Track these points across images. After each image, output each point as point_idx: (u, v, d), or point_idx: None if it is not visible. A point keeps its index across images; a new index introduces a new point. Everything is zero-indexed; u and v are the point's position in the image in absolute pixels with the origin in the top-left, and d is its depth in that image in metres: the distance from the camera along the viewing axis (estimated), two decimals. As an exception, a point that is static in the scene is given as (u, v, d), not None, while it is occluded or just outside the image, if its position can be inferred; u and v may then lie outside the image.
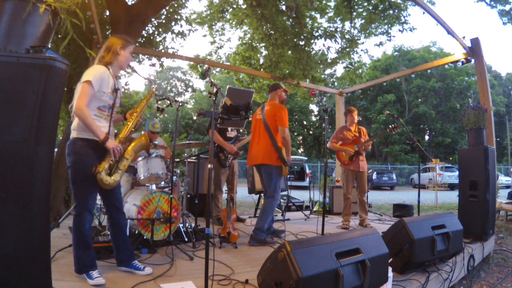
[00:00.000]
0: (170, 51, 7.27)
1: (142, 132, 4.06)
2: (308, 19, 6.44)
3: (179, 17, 6.93)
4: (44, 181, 1.49)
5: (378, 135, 5.02)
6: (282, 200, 5.60)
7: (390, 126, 4.31)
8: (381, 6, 6.07)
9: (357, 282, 1.77)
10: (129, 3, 5.51)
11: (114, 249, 2.34)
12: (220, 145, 4.16)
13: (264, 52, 7.22)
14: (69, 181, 4.80)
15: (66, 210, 4.33)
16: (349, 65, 7.39)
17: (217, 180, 4.27)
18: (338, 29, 6.71)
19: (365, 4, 6.26)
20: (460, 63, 4.76)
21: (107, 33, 5.73)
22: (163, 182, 3.50)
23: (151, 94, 2.43)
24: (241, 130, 4.48)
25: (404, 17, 6.33)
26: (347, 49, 6.82)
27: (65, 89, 1.94)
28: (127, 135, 2.25)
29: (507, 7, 6.05)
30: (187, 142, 4.15)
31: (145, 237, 2.99)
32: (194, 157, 4.51)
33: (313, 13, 6.42)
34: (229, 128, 4.29)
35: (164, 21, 6.83)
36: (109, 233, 2.93)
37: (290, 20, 6.23)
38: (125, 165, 2.19)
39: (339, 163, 6.84)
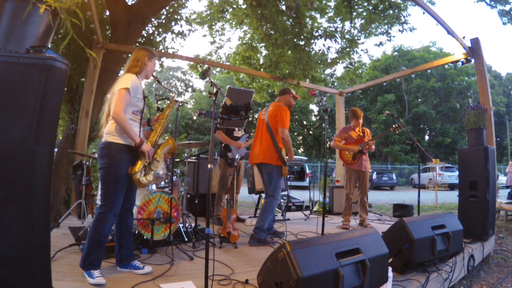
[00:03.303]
0: (170, 51, 7.26)
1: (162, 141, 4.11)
2: (308, 19, 6.44)
3: (179, 17, 6.91)
4: (44, 181, 1.49)
5: (381, 134, 4.99)
6: (282, 200, 5.60)
7: (393, 126, 4.27)
8: (381, 6, 6.07)
9: (357, 282, 1.77)
10: (129, 3, 5.51)
11: (116, 246, 2.36)
12: (227, 144, 4.17)
13: (264, 52, 7.22)
14: (69, 180, 4.83)
15: (66, 210, 4.33)
16: (349, 65, 7.38)
17: (224, 180, 4.26)
18: (338, 29, 6.71)
19: (365, 4, 6.27)
20: (460, 63, 4.76)
21: (107, 33, 5.73)
22: (163, 182, 3.50)
23: (173, 102, 2.63)
24: (251, 133, 4.49)
25: (404, 17, 6.33)
26: (347, 49, 6.82)
27: (65, 89, 1.94)
28: (156, 139, 2.41)
29: (507, 7, 6.05)
30: (187, 142, 4.15)
31: (145, 237, 2.99)
32: (194, 157, 4.50)
33: (313, 13, 6.42)
34: (237, 128, 4.29)
35: (164, 21, 6.81)
36: (112, 232, 2.94)
37: (290, 20, 6.23)
38: (156, 166, 2.36)
39: (339, 163, 6.88)
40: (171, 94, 2.69)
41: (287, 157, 3.43)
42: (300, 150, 31.03)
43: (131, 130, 2.19)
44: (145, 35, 6.59)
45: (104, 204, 2.18)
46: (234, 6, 6.56)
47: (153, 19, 6.30)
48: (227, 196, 4.36)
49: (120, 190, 2.22)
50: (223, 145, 4.27)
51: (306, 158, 18.41)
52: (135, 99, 2.26)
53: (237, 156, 4.23)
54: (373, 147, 4.54)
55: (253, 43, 7.14)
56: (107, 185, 2.18)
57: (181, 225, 3.41)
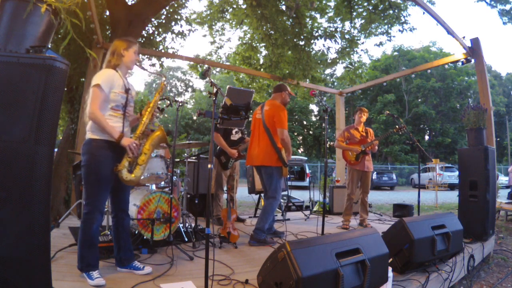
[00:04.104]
0: (170, 51, 7.27)
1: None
2: (308, 19, 6.45)
3: (179, 17, 6.92)
4: (44, 181, 1.49)
5: (385, 135, 4.97)
6: (282, 200, 5.59)
7: (396, 126, 4.27)
8: (381, 6, 6.08)
9: (357, 282, 1.77)
10: (129, 3, 5.51)
11: (115, 248, 2.35)
12: (222, 148, 4.16)
13: (264, 52, 7.23)
14: (69, 180, 4.83)
15: (66, 210, 4.33)
16: (349, 65, 7.39)
17: (219, 180, 4.27)
18: (338, 29, 6.72)
19: (365, 4, 6.27)
20: (460, 63, 4.76)
21: (107, 33, 5.73)
22: (163, 182, 3.50)
23: (163, 87, 2.44)
24: (246, 133, 4.48)
25: (404, 17, 6.33)
26: (347, 49, 6.82)
27: (65, 89, 1.94)
28: (143, 131, 2.28)
29: (507, 7, 6.06)
30: (187, 142, 4.15)
31: (145, 237, 2.99)
32: (194, 157, 4.51)
33: (313, 13, 6.43)
34: (234, 131, 4.28)
35: (164, 21, 6.82)
36: (109, 233, 2.94)
37: (290, 20, 6.23)
38: (143, 160, 2.21)
39: (339, 163, 6.88)
40: (163, 79, 2.49)
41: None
42: (300, 150, 31.03)
43: (108, 126, 2.10)
44: (145, 35, 6.60)
45: (87, 203, 2.12)
46: (234, 6, 6.57)
47: (153, 19, 6.31)
48: (225, 195, 4.36)
49: (103, 188, 2.15)
50: (218, 147, 4.27)
51: (306, 158, 18.42)
52: (112, 94, 2.16)
53: (231, 161, 4.24)
54: (376, 147, 4.53)
55: (253, 43, 7.15)
56: (89, 183, 2.12)
57: (181, 225, 3.41)
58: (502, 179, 15.82)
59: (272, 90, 3.69)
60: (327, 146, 3.42)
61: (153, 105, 2.35)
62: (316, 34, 6.58)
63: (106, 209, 3.16)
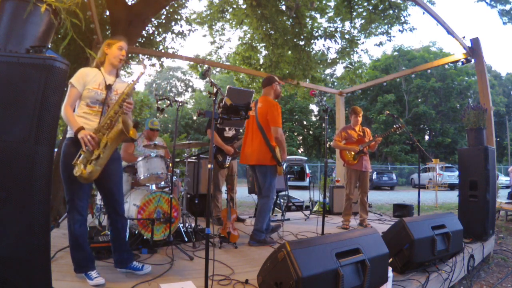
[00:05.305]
0: (170, 51, 7.27)
1: (161, 142, 4.09)
2: (308, 19, 6.45)
3: (179, 17, 6.92)
4: (44, 181, 1.49)
5: (383, 135, 4.95)
6: (282, 200, 5.60)
7: (394, 126, 4.25)
8: (381, 6, 6.07)
9: (357, 282, 1.77)
10: (129, 3, 5.51)
11: (112, 250, 2.35)
12: (217, 145, 4.16)
13: (264, 52, 7.23)
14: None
15: (66, 210, 4.32)
16: (349, 65, 7.39)
17: (216, 180, 4.27)
18: (338, 29, 6.71)
19: (365, 4, 6.27)
20: (460, 63, 4.76)
21: (107, 33, 5.73)
22: (163, 182, 3.50)
23: (140, 75, 2.33)
24: (241, 130, 4.48)
25: (404, 17, 6.33)
26: (347, 49, 6.82)
27: (65, 89, 1.94)
28: (107, 122, 2.11)
29: (507, 7, 6.06)
30: (187, 142, 4.15)
31: (145, 237, 2.99)
32: (194, 157, 4.51)
33: (313, 13, 6.43)
34: (227, 128, 4.28)
35: (164, 21, 6.82)
36: (109, 233, 2.94)
37: (290, 20, 6.23)
38: (96, 154, 2.01)
39: (339, 163, 6.87)
40: (143, 64, 2.36)
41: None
42: (300, 150, 31.02)
43: (71, 121, 2.05)
44: (145, 35, 6.59)
45: (66, 202, 2.11)
46: (234, 6, 6.57)
47: (153, 19, 6.31)
48: (225, 195, 4.36)
49: (74, 186, 2.07)
50: (214, 145, 4.26)
51: (306, 158, 18.40)
52: (85, 91, 2.12)
53: (228, 158, 4.24)
54: (375, 146, 4.51)
55: (253, 43, 7.15)
56: (64, 182, 2.09)
57: (181, 225, 3.41)
58: (502, 179, 15.81)
59: (262, 84, 3.60)
60: (327, 146, 3.41)
61: (126, 92, 2.18)
62: (316, 34, 6.58)
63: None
